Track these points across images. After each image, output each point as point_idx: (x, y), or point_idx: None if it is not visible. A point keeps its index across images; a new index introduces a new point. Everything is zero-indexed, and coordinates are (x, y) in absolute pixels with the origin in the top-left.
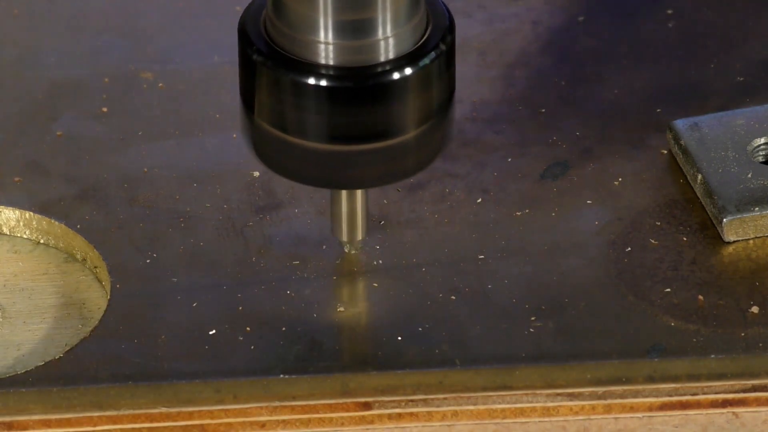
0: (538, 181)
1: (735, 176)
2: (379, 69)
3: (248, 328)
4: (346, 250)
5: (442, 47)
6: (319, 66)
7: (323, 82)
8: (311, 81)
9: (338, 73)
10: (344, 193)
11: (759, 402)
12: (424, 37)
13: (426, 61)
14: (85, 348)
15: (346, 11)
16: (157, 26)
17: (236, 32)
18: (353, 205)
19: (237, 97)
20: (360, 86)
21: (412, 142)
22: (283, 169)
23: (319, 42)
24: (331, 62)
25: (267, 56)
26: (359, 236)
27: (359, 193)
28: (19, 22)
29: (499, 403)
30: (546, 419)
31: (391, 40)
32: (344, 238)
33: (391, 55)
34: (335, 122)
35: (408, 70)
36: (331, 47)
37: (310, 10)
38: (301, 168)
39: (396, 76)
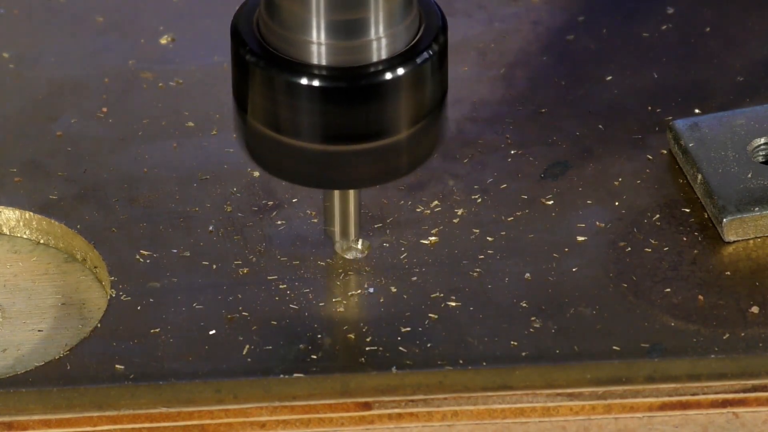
0: (538, 181)
1: (735, 176)
2: (372, 69)
3: (249, 328)
4: (338, 250)
5: (435, 47)
6: (311, 66)
7: (316, 82)
8: (304, 81)
9: (331, 73)
10: (337, 192)
11: (759, 402)
12: (417, 37)
13: (418, 61)
14: (85, 348)
15: (339, 11)
16: (157, 26)
17: None
18: (346, 205)
19: None
20: (352, 86)
21: (404, 142)
22: (276, 169)
23: (312, 42)
24: (323, 62)
25: (260, 56)
26: (352, 236)
27: (351, 193)
28: (19, 22)
29: (499, 403)
30: (546, 419)
31: (383, 40)
32: (337, 237)
33: (383, 55)
34: (328, 122)
35: (401, 70)
36: (323, 47)
37: (302, 10)
38: (294, 168)
39: (388, 76)
